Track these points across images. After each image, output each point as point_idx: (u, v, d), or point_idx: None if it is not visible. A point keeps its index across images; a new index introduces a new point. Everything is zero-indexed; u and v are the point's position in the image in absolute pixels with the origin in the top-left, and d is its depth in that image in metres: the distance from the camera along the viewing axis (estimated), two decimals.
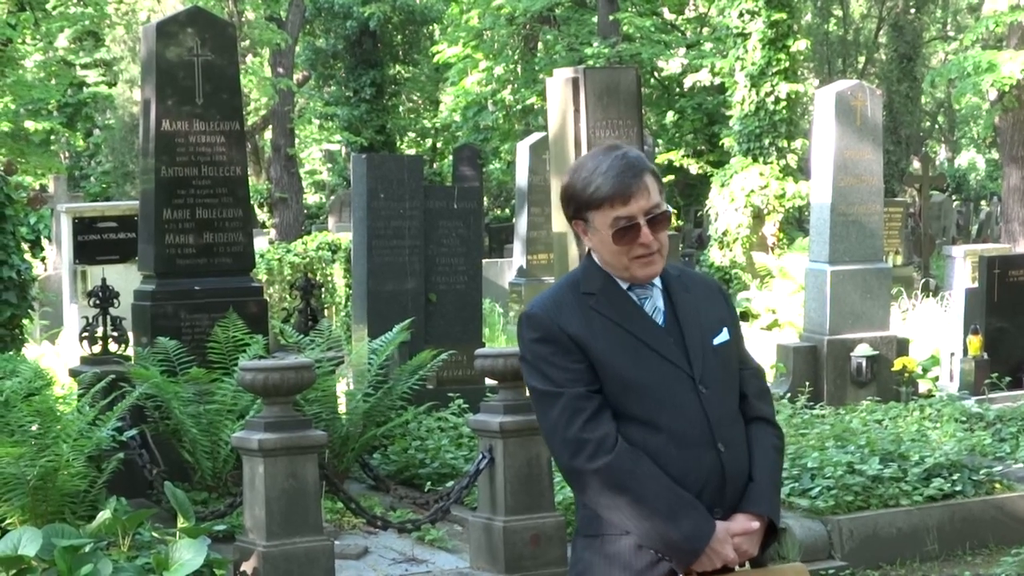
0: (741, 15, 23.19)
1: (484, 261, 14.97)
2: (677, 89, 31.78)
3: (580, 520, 3.95)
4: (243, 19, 31.61)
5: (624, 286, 3.90)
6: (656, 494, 3.75)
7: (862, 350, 12.50)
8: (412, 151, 43.42)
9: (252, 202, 21.29)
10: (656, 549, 3.78)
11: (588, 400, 3.79)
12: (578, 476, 3.81)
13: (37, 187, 31.18)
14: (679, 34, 32.99)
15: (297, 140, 39.49)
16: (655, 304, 3.91)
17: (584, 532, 3.92)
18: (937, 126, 51.98)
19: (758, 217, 22.44)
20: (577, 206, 3.86)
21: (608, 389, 3.81)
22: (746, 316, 19.42)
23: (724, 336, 3.95)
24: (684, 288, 3.96)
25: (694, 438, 3.81)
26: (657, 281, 3.92)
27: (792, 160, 23.19)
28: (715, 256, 22.50)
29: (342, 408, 9.82)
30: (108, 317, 9.82)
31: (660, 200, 3.85)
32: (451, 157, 35.73)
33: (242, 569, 7.38)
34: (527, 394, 8.10)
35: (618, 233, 3.80)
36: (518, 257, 20.89)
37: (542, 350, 3.84)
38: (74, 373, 9.61)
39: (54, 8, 27.70)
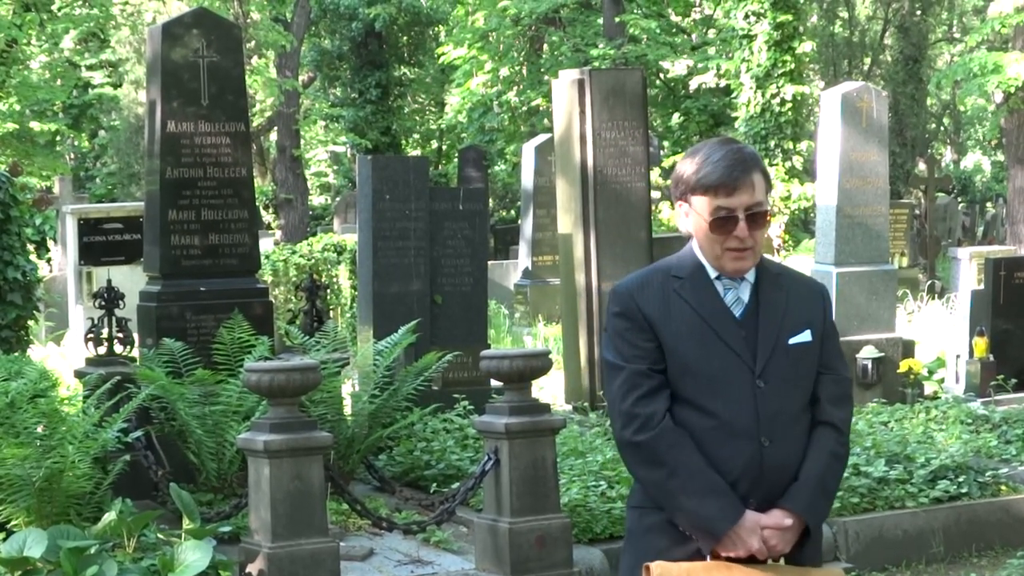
0: (747, 17, 23.22)
1: (490, 263, 14.96)
2: (683, 91, 31.77)
3: (630, 491, 4.16)
4: (248, 20, 31.58)
5: (712, 275, 4.01)
6: (689, 474, 3.88)
7: (868, 352, 12.49)
8: (417, 152, 43.42)
9: (257, 203, 21.29)
10: (683, 527, 3.91)
11: (647, 378, 3.95)
12: (624, 447, 4.00)
13: (42, 188, 31.19)
14: (685, 36, 32.98)
15: (302, 141, 39.50)
16: (738, 296, 4.02)
17: (630, 503, 4.13)
18: (943, 128, 51.92)
19: None
20: (684, 188, 3.99)
21: (670, 370, 3.96)
22: None
23: (804, 337, 4.03)
24: (777, 287, 4.05)
25: (739, 429, 3.92)
26: (750, 275, 4.03)
27: (798, 162, 23.22)
28: None
29: (347, 409, 9.81)
30: (113, 318, 9.81)
31: (763, 200, 3.96)
32: (456, 159, 35.74)
33: (247, 570, 7.38)
34: (532, 395, 8.12)
35: (716, 222, 3.93)
36: (524, 259, 20.88)
37: (619, 325, 4.02)
38: (79, 374, 9.60)
39: (59, 9, 27.70)
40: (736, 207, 3.91)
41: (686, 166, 3.99)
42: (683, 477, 3.87)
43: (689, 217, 4.01)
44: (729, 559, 3.86)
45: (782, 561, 3.96)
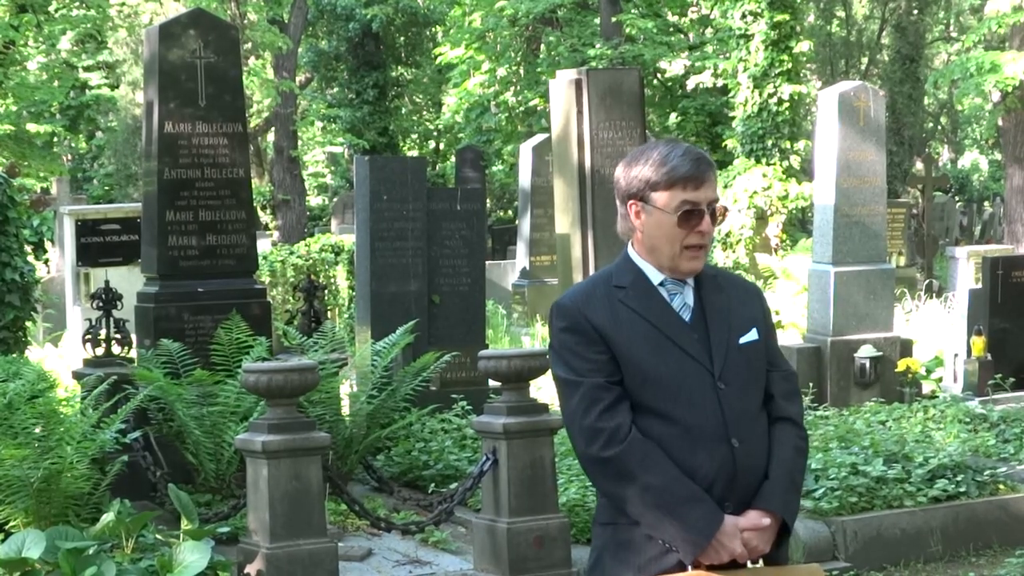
0: (744, 16, 23.20)
1: (487, 263, 14.96)
2: (680, 90, 31.76)
3: (597, 508, 4.06)
4: (245, 21, 31.59)
5: (656, 281, 3.97)
6: (664, 485, 3.81)
7: (866, 351, 12.49)
8: (415, 153, 43.42)
9: (255, 204, 21.29)
10: (663, 539, 3.83)
11: (606, 391, 3.88)
12: (591, 464, 3.91)
13: (40, 189, 31.17)
14: (682, 36, 32.97)
15: (300, 142, 39.49)
16: (684, 300, 3.98)
17: (599, 520, 4.03)
18: (940, 127, 51.96)
19: (761, 218, 22.43)
20: (642, 186, 3.93)
21: (628, 380, 3.89)
22: None
23: (752, 336, 4.00)
24: (717, 288, 4.03)
25: (708, 433, 3.86)
26: (689, 279, 3.99)
27: (795, 161, 23.20)
28: (718, 257, 22.48)
29: (346, 410, 9.82)
30: (111, 319, 9.81)
31: (718, 197, 3.98)
32: (454, 159, 35.73)
33: (246, 571, 7.38)
34: (530, 395, 8.12)
35: (683, 216, 3.89)
36: (521, 258, 20.88)
37: (568, 339, 3.94)
38: (77, 375, 9.60)
39: (56, 10, 27.67)
40: (701, 201, 3.89)
41: (640, 166, 3.93)
42: (659, 489, 3.80)
43: (643, 216, 3.94)
44: (711, 567, 3.82)
45: (760, 562, 3.94)
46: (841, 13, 44.59)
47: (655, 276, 3.97)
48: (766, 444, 3.96)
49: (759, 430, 3.96)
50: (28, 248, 15.58)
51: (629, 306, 3.92)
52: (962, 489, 9.21)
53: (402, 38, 42.75)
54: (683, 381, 3.88)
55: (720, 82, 27.38)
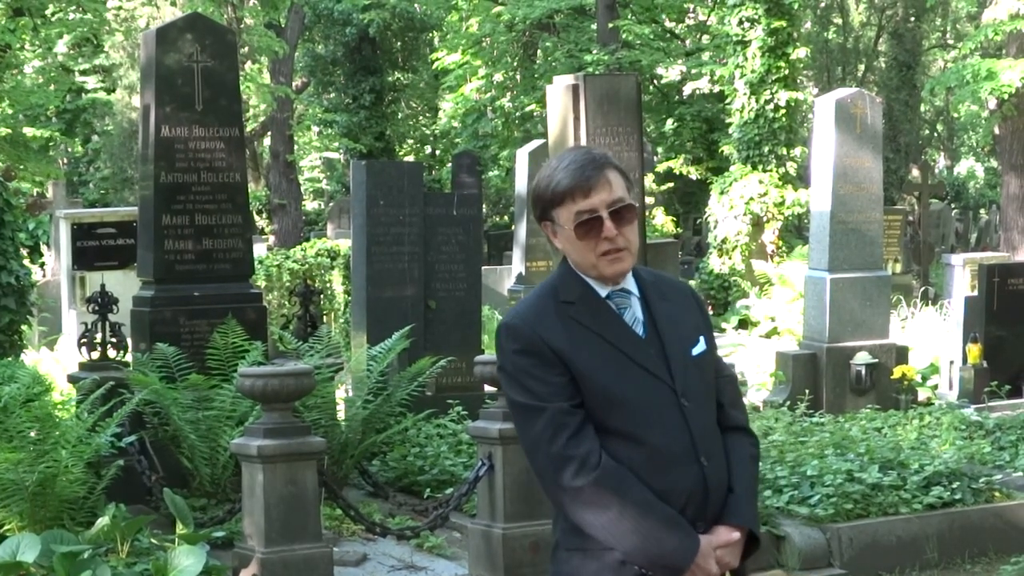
0: (741, 23, 23.20)
1: (483, 268, 14.96)
2: (676, 96, 31.79)
3: (561, 533, 3.86)
4: (242, 26, 31.56)
5: (603, 294, 3.81)
6: (641, 511, 3.69)
7: (861, 358, 12.49)
8: (411, 158, 43.40)
9: (251, 208, 21.30)
10: (641, 565, 3.73)
11: (571, 415, 3.71)
12: (562, 493, 3.73)
13: (36, 193, 31.16)
14: (679, 42, 32.99)
15: (296, 147, 39.48)
16: (635, 315, 3.82)
17: (565, 546, 3.83)
18: (936, 134, 52.00)
19: (757, 225, 22.44)
20: (543, 206, 3.80)
21: (590, 403, 3.73)
22: (745, 324, 19.45)
23: (701, 346, 3.87)
24: (661, 296, 3.88)
25: (678, 453, 3.75)
26: (634, 289, 3.85)
27: (791, 168, 23.20)
28: (714, 264, 22.49)
29: (341, 415, 9.81)
30: (107, 323, 9.79)
31: (625, 195, 3.78)
32: (450, 164, 35.73)
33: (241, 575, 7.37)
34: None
35: (580, 227, 3.73)
36: (517, 264, 20.88)
37: (523, 362, 3.75)
38: (73, 379, 9.59)
39: (53, 14, 27.64)
40: (597, 206, 3.71)
41: (539, 184, 3.81)
42: (635, 515, 3.68)
43: (557, 235, 3.81)
44: None
45: (728, 575, 3.91)
46: (838, 20, 44.64)
47: (601, 289, 3.82)
48: (724, 457, 3.87)
49: (719, 445, 3.87)
50: (24, 252, 15.57)
51: (582, 323, 3.76)
52: (958, 496, 9.21)
53: (399, 43, 42.75)
54: (649, 401, 3.75)
55: (717, 88, 27.41)
